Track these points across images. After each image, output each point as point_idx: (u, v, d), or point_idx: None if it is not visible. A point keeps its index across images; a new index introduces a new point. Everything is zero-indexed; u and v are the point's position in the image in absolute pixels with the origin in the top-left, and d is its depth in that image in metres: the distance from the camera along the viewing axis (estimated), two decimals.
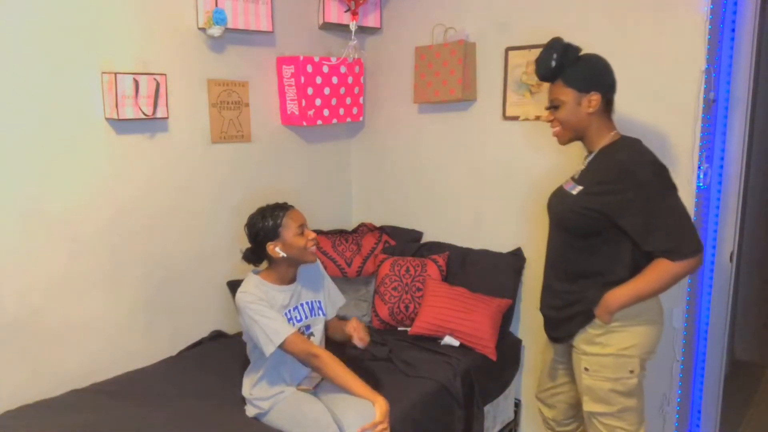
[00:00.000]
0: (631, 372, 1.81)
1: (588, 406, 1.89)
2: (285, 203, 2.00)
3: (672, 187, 1.75)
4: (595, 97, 1.79)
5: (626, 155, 1.77)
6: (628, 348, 1.80)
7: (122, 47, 2.18)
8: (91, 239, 2.17)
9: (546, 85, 1.93)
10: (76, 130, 2.09)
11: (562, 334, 1.94)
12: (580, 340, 1.87)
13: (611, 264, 1.81)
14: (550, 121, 1.90)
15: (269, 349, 1.85)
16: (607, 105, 1.84)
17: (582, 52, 1.83)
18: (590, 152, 1.88)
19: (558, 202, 1.93)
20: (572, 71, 1.80)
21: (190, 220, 2.48)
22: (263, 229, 1.92)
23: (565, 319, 1.90)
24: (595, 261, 1.83)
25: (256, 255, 1.99)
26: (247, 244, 2.01)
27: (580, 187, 1.83)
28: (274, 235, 1.92)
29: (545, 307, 2.00)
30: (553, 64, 1.80)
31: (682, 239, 1.71)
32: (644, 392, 1.91)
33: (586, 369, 1.86)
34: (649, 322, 1.82)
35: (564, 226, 1.88)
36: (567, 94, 1.81)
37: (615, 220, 1.74)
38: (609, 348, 1.81)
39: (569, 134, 1.87)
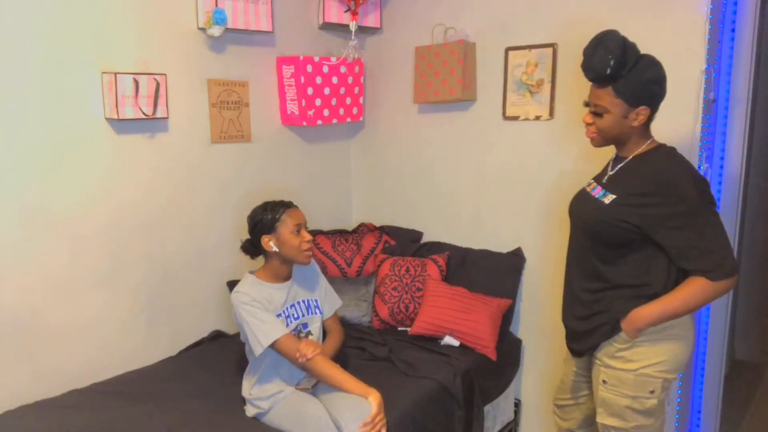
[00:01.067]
0: (652, 392, 1.72)
1: (602, 418, 1.82)
2: (289, 202, 2.03)
3: (713, 204, 1.66)
4: (644, 112, 1.67)
5: (668, 166, 1.66)
6: (651, 366, 1.71)
7: (122, 47, 2.18)
8: (91, 239, 2.17)
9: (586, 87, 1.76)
10: (76, 130, 2.09)
11: (584, 347, 1.86)
12: (603, 353, 1.79)
13: (644, 277, 1.72)
14: (588, 124, 1.76)
15: (257, 349, 1.88)
16: (651, 116, 1.73)
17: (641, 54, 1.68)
18: (622, 157, 1.77)
19: (587, 209, 1.80)
20: (627, 81, 1.64)
21: (190, 220, 2.48)
22: (262, 221, 1.96)
23: (589, 331, 1.81)
24: (625, 271, 1.74)
25: (253, 246, 2.02)
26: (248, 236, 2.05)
27: (612, 196, 1.72)
28: (270, 228, 1.96)
29: (568, 317, 1.92)
30: (609, 71, 1.62)
31: (721, 259, 1.61)
32: (665, 414, 1.83)
33: (604, 381, 1.78)
34: (678, 338, 1.73)
35: (594, 234, 1.77)
36: (615, 106, 1.67)
37: (652, 234, 1.65)
38: (632, 364, 1.72)
39: (606, 142, 1.77)
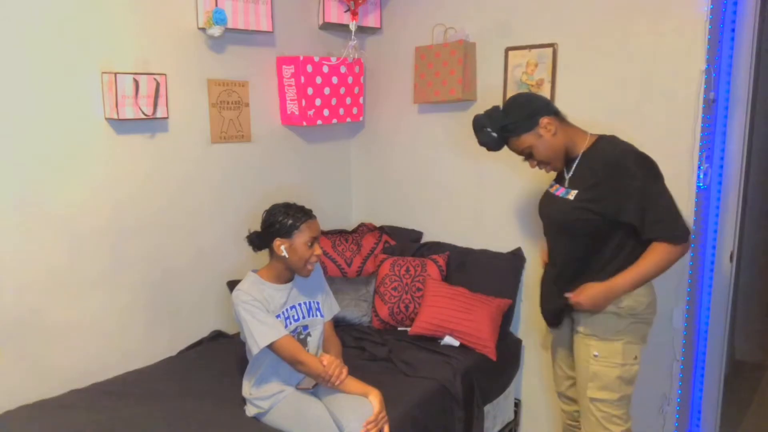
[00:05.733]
0: (635, 358, 1.89)
1: (592, 392, 1.92)
2: (310, 211, 2.00)
3: (659, 176, 1.80)
4: (546, 121, 1.86)
5: (611, 151, 1.84)
6: (639, 304, 1.86)
7: (122, 47, 2.18)
8: (91, 239, 2.17)
9: None
10: (76, 130, 2.09)
11: (561, 311, 1.99)
12: (583, 326, 1.92)
13: (616, 260, 1.86)
14: (536, 166, 1.96)
15: (254, 349, 1.88)
16: (559, 117, 1.91)
17: (492, 105, 1.94)
18: (572, 158, 1.92)
19: (554, 210, 1.96)
20: (511, 125, 1.88)
21: (189, 220, 2.48)
22: (280, 223, 1.93)
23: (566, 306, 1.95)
24: (601, 259, 1.88)
25: (260, 241, 1.99)
26: (256, 227, 2.02)
27: (574, 191, 1.88)
28: (286, 234, 1.93)
29: (547, 304, 2.07)
30: (495, 135, 1.91)
31: (677, 224, 1.79)
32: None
33: (595, 356, 1.90)
34: (647, 286, 1.89)
35: (569, 231, 1.91)
36: (526, 141, 1.89)
37: (617, 217, 1.80)
38: (620, 304, 1.85)
39: (557, 162, 1.93)
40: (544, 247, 2.15)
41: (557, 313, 2.02)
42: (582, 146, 1.90)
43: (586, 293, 1.86)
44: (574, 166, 1.91)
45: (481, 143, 1.96)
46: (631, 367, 1.89)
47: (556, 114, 1.91)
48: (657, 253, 1.80)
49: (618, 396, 1.90)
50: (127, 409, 1.96)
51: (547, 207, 2.01)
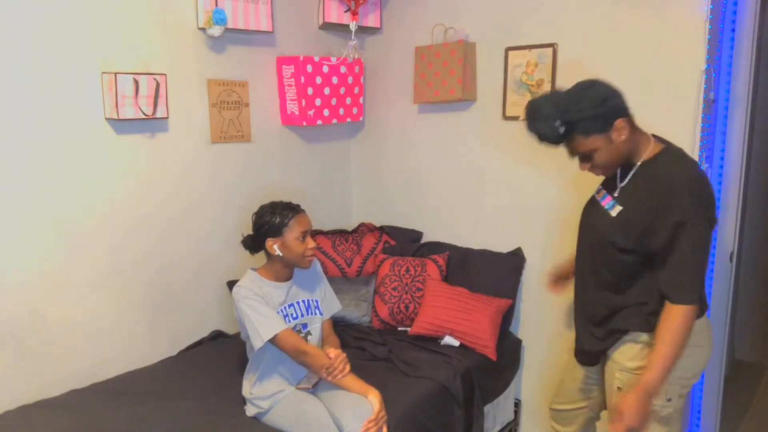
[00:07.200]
0: (669, 400, 1.67)
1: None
2: (297, 206, 2.02)
3: (708, 218, 1.59)
4: (620, 125, 1.60)
5: (670, 169, 1.60)
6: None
7: (122, 47, 2.18)
8: (91, 239, 2.17)
9: None
10: (76, 130, 2.09)
11: (594, 358, 1.83)
12: (618, 353, 1.75)
13: (644, 295, 1.68)
14: (589, 170, 1.71)
15: (257, 343, 1.88)
16: (631, 120, 1.66)
17: (557, 87, 1.67)
18: (631, 164, 1.69)
19: (598, 221, 1.74)
20: (583, 120, 1.59)
21: (189, 220, 2.48)
22: (269, 223, 1.95)
23: (602, 339, 1.77)
24: (637, 286, 1.69)
25: (255, 244, 2.01)
26: (249, 231, 2.04)
27: (620, 207, 1.67)
28: (276, 232, 1.94)
29: (582, 331, 1.85)
30: (562, 131, 1.61)
31: (696, 288, 1.59)
32: (682, 421, 1.80)
33: (619, 389, 1.73)
34: (697, 346, 1.67)
35: (606, 247, 1.70)
36: (594, 142, 1.62)
37: (646, 237, 1.61)
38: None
39: (614, 169, 1.71)
40: (561, 263, 1.95)
41: (596, 354, 1.82)
42: (644, 155, 1.66)
43: (629, 413, 1.59)
44: (630, 175, 1.68)
45: (538, 134, 1.65)
46: (663, 408, 1.67)
47: (628, 116, 1.64)
48: (673, 320, 1.57)
49: None
50: (127, 409, 1.96)
51: (590, 215, 1.79)
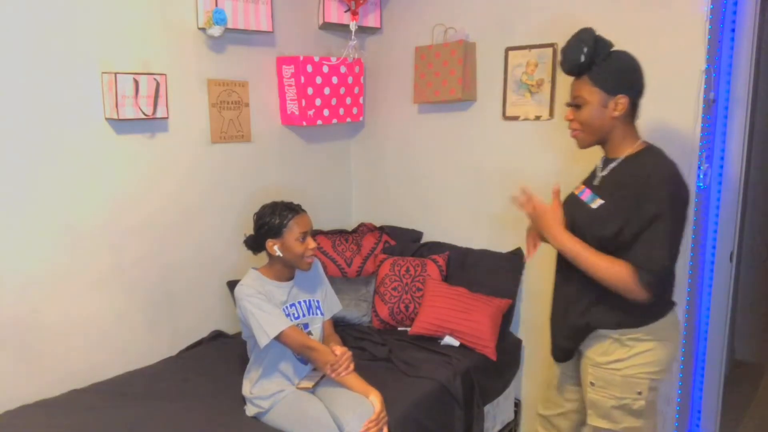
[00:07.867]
0: (639, 393, 1.70)
1: (592, 420, 1.80)
2: (298, 206, 2.02)
3: (680, 212, 1.62)
4: (622, 101, 1.66)
5: (653, 167, 1.63)
6: (637, 366, 1.69)
7: (122, 47, 2.18)
8: (91, 239, 2.17)
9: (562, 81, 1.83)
10: (76, 130, 2.09)
11: (571, 347, 1.85)
12: (591, 351, 1.78)
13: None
14: (570, 120, 1.76)
15: (263, 341, 1.88)
16: (633, 109, 1.71)
17: (613, 48, 1.70)
18: (612, 159, 1.74)
19: (577, 215, 1.76)
20: (601, 69, 1.67)
21: (189, 220, 2.48)
22: (268, 224, 1.96)
23: (572, 337, 1.82)
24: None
25: (256, 244, 2.02)
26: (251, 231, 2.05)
27: (600, 201, 1.71)
28: (276, 233, 1.95)
29: (557, 329, 1.89)
30: (582, 58, 1.66)
31: (658, 267, 1.59)
32: (657, 412, 1.82)
33: (592, 384, 1.77)
34: (663, 340, 1.72)
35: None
36: (593, 94, 1.68)
37: (625, 228, 1.63)
38: (618, 364, 1.71)
39: (590, 137, 1.74)
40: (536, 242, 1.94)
41: (570, 350, 1.86)
42: (627, 150, 1.71)
43: (541, 210, 1.76)
44: (612, 167, 1.73)
45: (566, 49, 1.70)
46: (634, 401, 1.70)
47: (635, 106, 1.70)
48: (615, 265, 1.61)
49: (621, 427, 1.74)
50: (127, 409, 1.96)
51: (568, 211, 1.80)
